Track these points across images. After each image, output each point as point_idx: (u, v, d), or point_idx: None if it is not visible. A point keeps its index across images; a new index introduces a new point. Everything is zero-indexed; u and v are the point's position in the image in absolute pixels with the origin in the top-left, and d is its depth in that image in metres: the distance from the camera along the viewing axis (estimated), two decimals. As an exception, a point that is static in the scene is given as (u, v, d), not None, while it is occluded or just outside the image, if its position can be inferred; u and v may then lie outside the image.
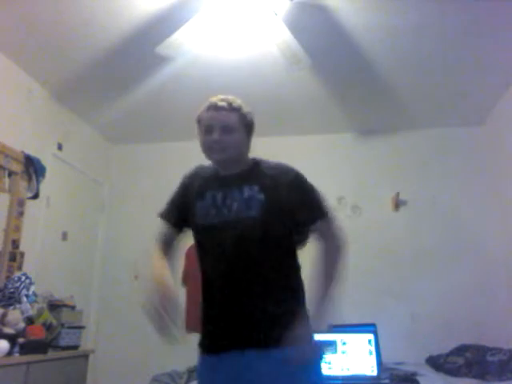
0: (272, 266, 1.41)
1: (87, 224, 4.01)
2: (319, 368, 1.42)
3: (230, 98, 1.50)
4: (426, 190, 3.82)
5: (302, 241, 1.54)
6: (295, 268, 1.49)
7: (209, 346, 1.44)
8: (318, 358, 1.45)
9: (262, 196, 1.43)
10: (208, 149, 1.48)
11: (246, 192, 1.45)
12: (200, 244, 1.51)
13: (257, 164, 1.53)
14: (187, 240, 1.61)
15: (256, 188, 1.44)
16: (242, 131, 1.49)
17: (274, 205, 1.42)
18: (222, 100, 1.48)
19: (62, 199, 3.60)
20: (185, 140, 4.03)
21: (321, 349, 1.53)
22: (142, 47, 2.85)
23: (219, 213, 1.45)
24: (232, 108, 1.47)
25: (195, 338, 1.50)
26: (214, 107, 1.47)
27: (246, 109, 1.51)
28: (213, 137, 1.45)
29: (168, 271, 1.43)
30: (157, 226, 1.58)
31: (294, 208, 1.44)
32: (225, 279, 1.41)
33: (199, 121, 1.52)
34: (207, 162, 1.58)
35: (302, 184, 1.49)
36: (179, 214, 1.57)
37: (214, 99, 1.49)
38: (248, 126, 1.52)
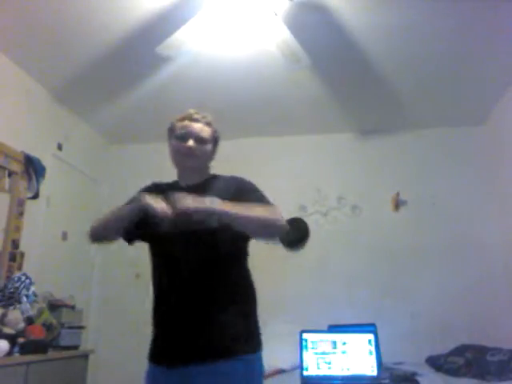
0: (222, 277, 1.45)
1: (87, 224, 3.98)
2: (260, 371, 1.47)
3: (204, 113, 1.62)
4: (426, 190, 3.82)
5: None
6: (243, 276, 1.53)
7: (156, 356, 1.47)
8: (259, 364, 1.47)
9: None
10: (181, 154, 1.58)
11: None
12: (155, 255, 1.56)
13: (215, 177, 1.62)
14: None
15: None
16: (211, 145, 1.61)
17: None
18: (198, 113, 1.60)
19: (62, 199, 3.60)
20: (185, 140, 4.06)
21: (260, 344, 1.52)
22: (142, 47, 2.85)
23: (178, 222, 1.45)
24: (206, 122, 1.59)
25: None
26: (191, 118, 1.59)
27: (215, 126, 1.63)
28: (188, 144, 1.55)
29: None
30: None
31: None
32: (177, 290, 1.44)
33: (173, 128, 1.63)
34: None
35: (247, 185, 1.57)
36: (135, 230, 1.58)
37: (190, 111, 1.61)
38: (216, 142, 1.64)
